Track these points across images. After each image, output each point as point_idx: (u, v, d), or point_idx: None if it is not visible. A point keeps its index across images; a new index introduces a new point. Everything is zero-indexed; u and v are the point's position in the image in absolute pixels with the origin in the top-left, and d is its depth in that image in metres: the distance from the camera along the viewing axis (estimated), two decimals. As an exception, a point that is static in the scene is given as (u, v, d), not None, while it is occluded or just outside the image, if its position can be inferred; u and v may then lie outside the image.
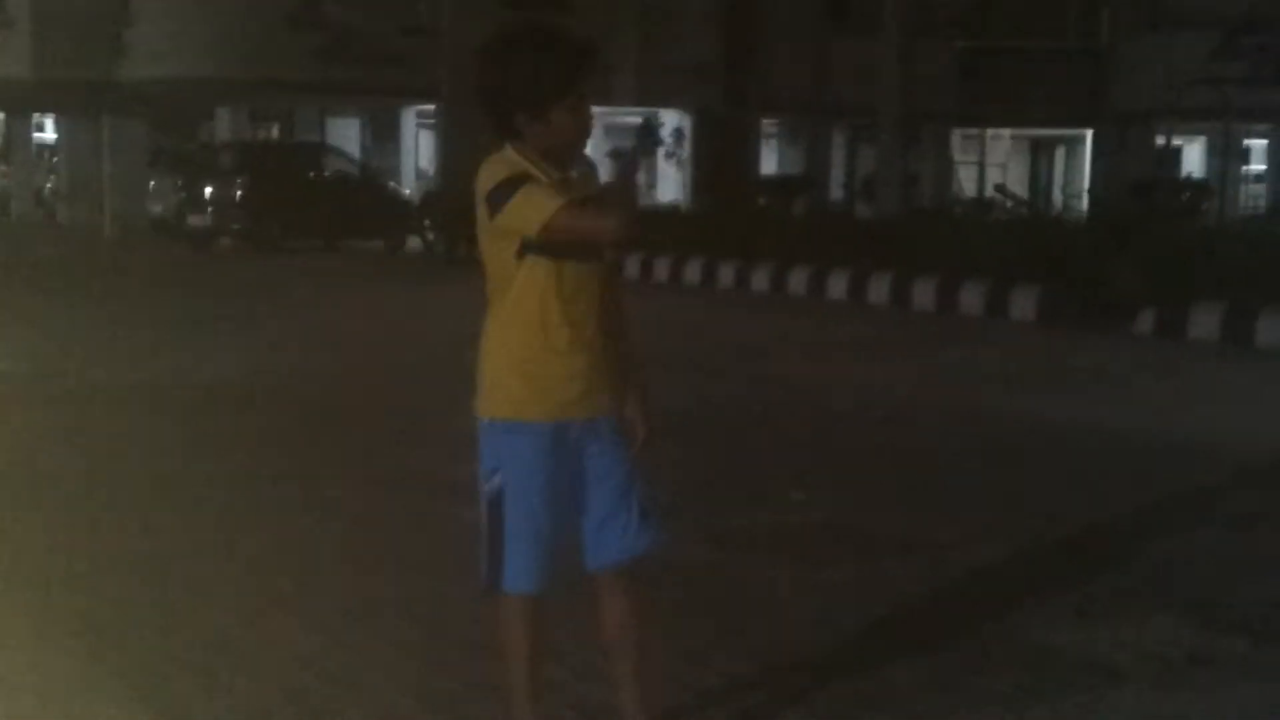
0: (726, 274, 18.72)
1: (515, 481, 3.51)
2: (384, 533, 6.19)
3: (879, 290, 16.81)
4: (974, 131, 35.53)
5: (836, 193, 33.81)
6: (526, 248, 3.45)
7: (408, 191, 28.73)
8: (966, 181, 34.83)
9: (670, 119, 30.09)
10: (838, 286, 17.33)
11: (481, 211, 3.50)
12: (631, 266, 18.93)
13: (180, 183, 25.16)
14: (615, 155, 3.72)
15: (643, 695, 3.71)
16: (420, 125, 32.22)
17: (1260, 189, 32.98)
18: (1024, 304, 15.22)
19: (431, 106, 29.94)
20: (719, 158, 23.69)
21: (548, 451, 3.50)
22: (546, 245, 3.42)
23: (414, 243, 24.66)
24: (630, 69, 27.28)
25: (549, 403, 3.49)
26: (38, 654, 4.60)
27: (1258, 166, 34.18)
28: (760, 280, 18.30)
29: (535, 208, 3.38)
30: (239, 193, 24.00)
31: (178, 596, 5.21)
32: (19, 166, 33.67)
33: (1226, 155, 28.42)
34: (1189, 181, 29.59)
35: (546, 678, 3.81)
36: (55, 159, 33.16)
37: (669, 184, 31.17)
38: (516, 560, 3.52)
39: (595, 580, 3.66)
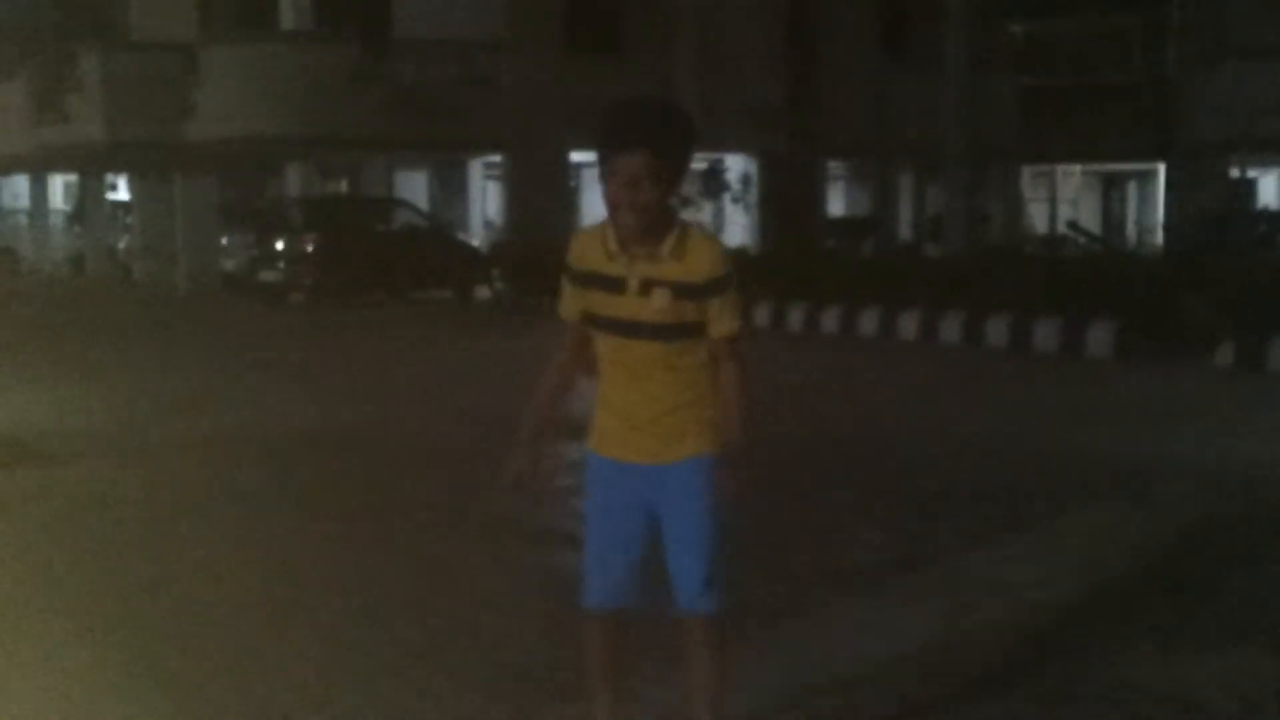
0: (795, 317, 18.63)
1: (588, 505, 3.89)
2: (461, 578, 6.17)
3: (951, 329, 16.65)
4: (1045, 168, 35.30)
5: (905, 233, 33.65)
6: None
7: (475, 242, 28.91)
8: (1038, 219, 34.58)
9: (735, 163, 30.10)
10: (908, 326, 17.19)
11: None
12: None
13: (252, 239, 25.46)
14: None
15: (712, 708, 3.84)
16: (487, 176, 32.46)
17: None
18: (1100, 341, 15.02)
19: (497, 158, 30.16)
20: (785, 200, 23.65)
21: (608, 482, 3.80)
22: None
23: (482, 292, 24.81)
24: (691, 114, 27.39)
25: (606, 442, 3.82)
26: (118, 698, 4.60)
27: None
28: (830, 322, 18.20)
29: (559, 300, 3.85)
30: (309, 248, 24.24)
31: (256, 640, 5.22)
32: (94, 226, 34.28)
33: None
34: (1264, 213, 29.17)
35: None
36: (128, 217, 33.73)
37: (736, 228, 31.19)
38: (588, 578, 3.86)
39: (680, 630, 3.84)
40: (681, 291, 3.63)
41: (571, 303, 3.80)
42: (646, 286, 3.62)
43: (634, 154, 3.52)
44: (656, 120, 3.61)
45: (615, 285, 3.65)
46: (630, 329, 3.67)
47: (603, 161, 3.57)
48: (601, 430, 3.82)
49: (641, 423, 3.73)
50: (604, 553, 3.83)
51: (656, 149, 3.54)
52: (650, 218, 3.59)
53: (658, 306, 3.63)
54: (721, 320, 3.69)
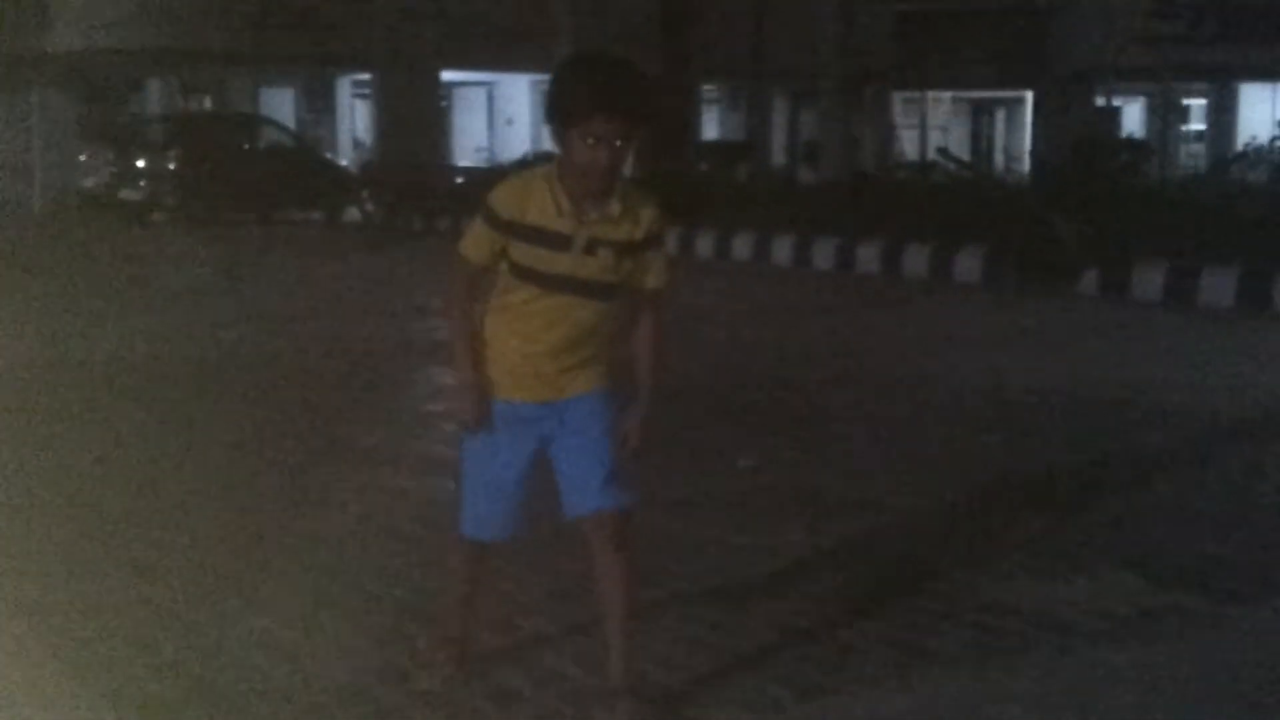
0: (670, 243, 18.56)
1: (471, 443, 3.84)
2: (329, 505, 6.06)
3: (824, 255, 16.77)
4: (916, 94, 35.59)
5: (779, 158, 33.74)
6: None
7: (344, 162, 28.40)
8: (908, 145, 34.90)
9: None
10: (782, 252, 17.29)
11: None
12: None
13: (112, 156, 24.73)
14: None
15: (625, 660, 3.82)
16: (355, 95, 31.84)
17: (1200, 148, 33.22)
18: (968, 267, 15.22)
19: (367, 75, 29.58)
20: (659, 124, 23.49)
21: (500, 423, 3.76)
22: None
23: (351, 214, 24.41)
24: (566, 36, 27.02)
25: (500, 386, 3.76)
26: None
27: (1197, 126, 34.41)
28: (705, 246, 18.23)
29: (464, 238, 3.71)
30: (172, 166, 23.65)
31: (125, 575, 5.06)
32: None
33: (1165, 115, 28.59)
34: (1129, 141, 29.75)
35: (549, 666, 4.19)
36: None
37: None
38: (469, 512, 3.89)
39: (587, 540, 3.81)
40: (625, 249, 3.62)
41: (483, 246, 3.65)
42: (592, 245, 3.58)
43: (618, 118, 3.46)
44: (635, 83, 3.53)
45: (559, 242, 3.57)
46: (571, 285, 3.60)
47: (573, 121, 3.47)
48: (498, 374, 3.72)
49: (548, 368, 3.69)
50: (490, 490, 3.82)
51: (635, 112, 3.50)
52: (615, 179, 3.56)
53: (604, 265, 3.60)
54: (657, 273, 3.73)
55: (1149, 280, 13.65)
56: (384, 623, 4.57)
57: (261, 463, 6.86)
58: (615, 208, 3.59)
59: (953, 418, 8.15)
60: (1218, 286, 13.13)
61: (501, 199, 3.61)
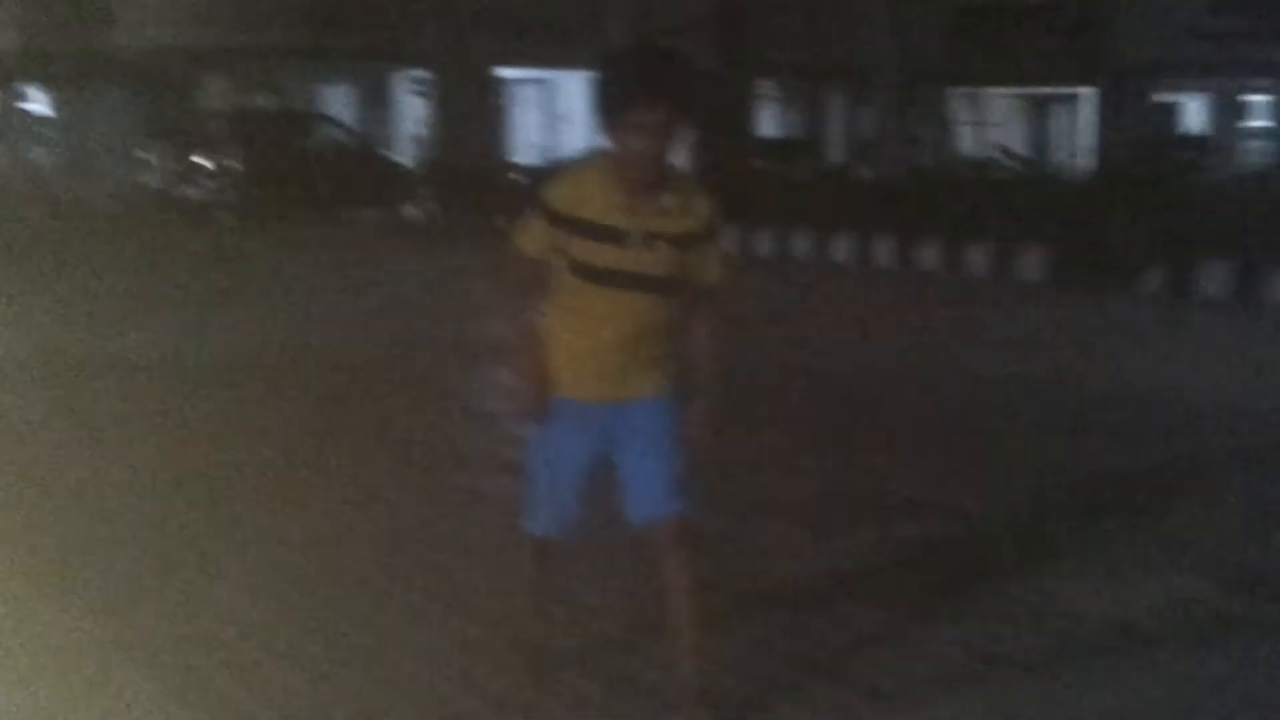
0: (727, 241, 18.54)
1: (539, 442, 3.86)
2: (394, 506, 6.09)
3: (883, 253, 16.69)
4: (973, 90, 35.30)
5: (836, 155, 33.57)
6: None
7: (403, 160, 28.51)
8: (966, 142, 34.62)
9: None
10: (841, 250, 17.21)
11: None
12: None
13: (173, 154, 24.93)
14: None
15: (694, 665, 3.81)
16: (414, 92, 31.96)
17: (1263, 145, 32.74)
18: (1030, 265, 15.11)
19: (425, 73, 29.69)
20: (716, 121, 23.43)
21: (565, 422, 3.76)
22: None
23: (410, 211, 24.51)
24: (622, 32, 27.04)
25: (564, 384, 3.76)
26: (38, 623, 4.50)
27: (1260, 122, 33.93)
28: (762, 245, 18.16)
29: (518, 232, 3.73)
30: (233, 163, 23.81)
31: (193, 575, 5.12)
32: (8, 139, 33.40)
33: (1228, 112, 28.23)
34: (1192, 139, 29.42)
35: (620, 670, 4.23)
36: (44, 131, 32.84)
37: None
38: (534, 510, 3.91)
39: (649, 546, 3.81)
40: (682, 242, 3.63)
41: (539, 240, 3.67)
42: (650, 239, 3.59)
43: (660, 107, 3.47)
44: (679, 73, 3.53)
45: (616, 237, 3.58)
46: (630, 281, 3.61)
47: (618, 113, 3.49)
48: (560, 371, 3.73)
49: (611, 365, 3.69)
50: (556, 488, 3.83)
51: (680, 102, 3.50)
52: (664, 170, 3.57)
53: (661, 259, 3.61)
54: (714, 266, 3.76)
55: (1213, 278, 13.50)
56: (453, 626, 4.59)
57: (323, 464, 6.90)
58: (669, 200, 3.60)
59: (1020, 418, 8.09)
60: (1284, 285, 12.96)
61: (555, 193, 3.63)
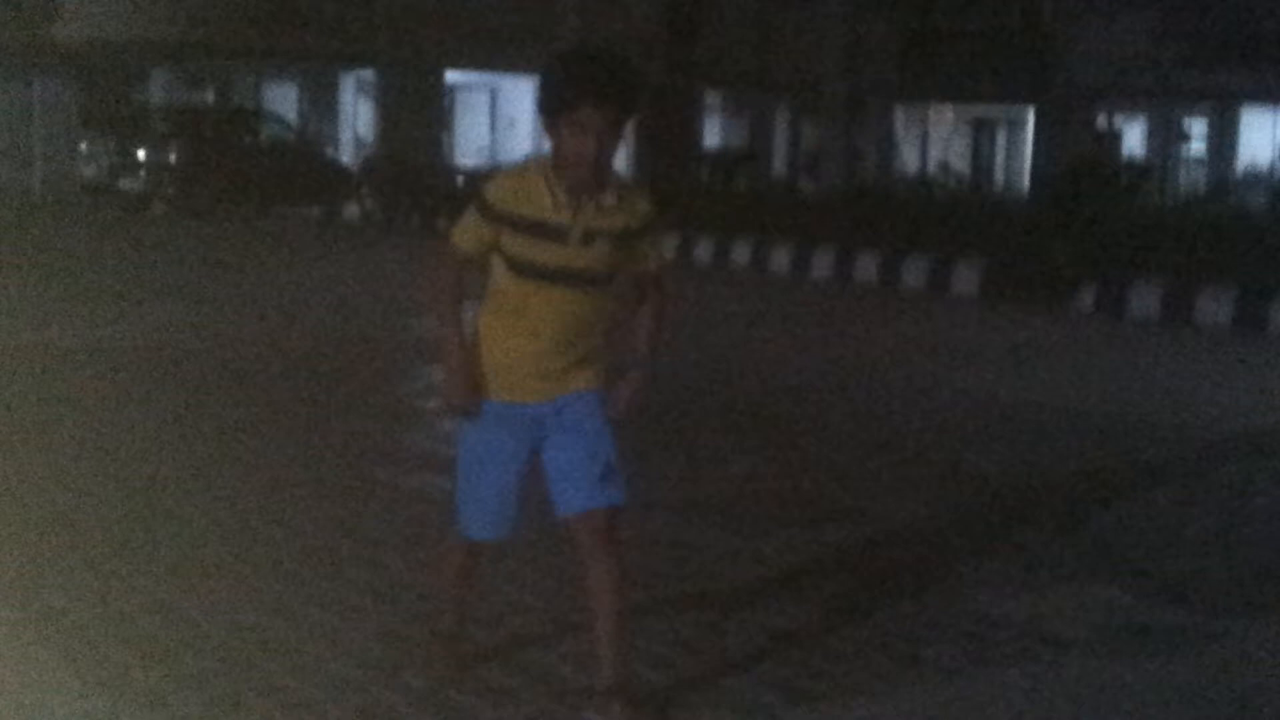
0: (669, 246, 18.63)
1: (467, 445, 3.86)
2: (322, 500, 6.06)
3: (823, 264, 16.80)
4: (918, 108, 35.62)
5: (779, 167, 33.77)
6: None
7: (345, 158, 28.40)
8: (909, 158, 34.92)
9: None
10: (781, 261, 17.31)
11: None
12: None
13: (113, 146, 24.71)
14: None
15: (616, 661, 3.78)
16: (359, 92, 31.85)
17: (1200, 170, 33.25)
18: (966, 280, 15.27)
19: (370, 73, 29.59)
20: (661, 130, 23.52)
21: (495, 425, 3.76)
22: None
23: (351, 210, 24.43)
24: (570, 38, 27.08)
25: (495, 386, 3.75)
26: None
27: (1198, 146, 34.45)
28: (703, 253, 18.24)
29: (455, 227, 3.74)
30: (173, 156, 23.63)
31: (115, 563, 5.06)
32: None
33: (1166, 135, 28.65)
34: (1129, 162, 29.78)
35: (541, 665, 4.22)
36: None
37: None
38: (466, 514, 3.89)
39: (576, 539, 3.78)
40: (621, 238, 3.67)
41: (475, 236, 3.68)
42: (589, 235, 3.62)
43: (605, 107, 3.51)
44: (625, 74, 3.57)
45: (557, 233, 3.60)
46: (570, 277, 3.63)
47: (563, 112, 3.53)
48: (495, 374, 3.73)
49: (551, 363, 3.70)
50: (488, 491, 3.81)
51: (625, 103, 3.54)
52: (607, 170, 3.60)
53: (600, 255, 3.64)
54: (653, 255, 3.81)
55: (1146, 298, 13.69)
56: (376, 619, 4.57)
57: (251, 456, 6.86)
58: (610, 198, 3.63)
59: (946, 429, 8.17)
60: (1214, 306, 13.16)
61: (496, 190, 3.64)
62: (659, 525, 5.69)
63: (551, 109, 3.55)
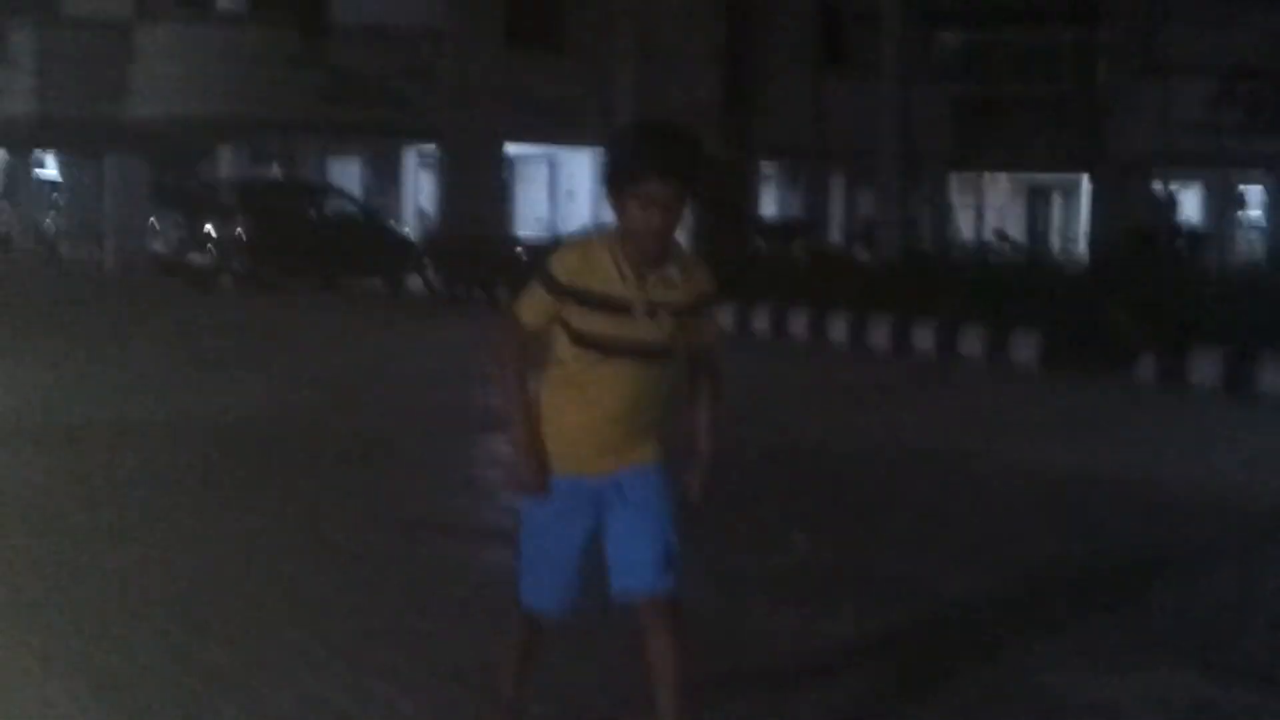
0: (725, 317, 18.72)
1: (529, 518, 3.87)
2: (387, 571, 6.18)
3: (879, 334, 16.84)
4: (972, 175, 35.68)
5: (835, 236, 33.88)
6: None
7: (408, 231, 28.79)
8: (964, 226, 34.94)
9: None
10: (838, 330, 17.37)
11: None
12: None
13: (182, 221, 25.19)
14: None
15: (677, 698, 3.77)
16: (421, 165, 32.32)
17: (1258, 236, 33.09)
18: (1024, 349, 15.26)
19: (432, 147, 30.02)
20: (718, 200, 23.74)
21: (558, 499, 3.77)
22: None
23: (414, 282, 24.74)
24: (628, 111, 27.41)
25: (557, 460, 3.78)
26: (38, 690, 4.59)
27: (1255, 212, 34.29)
28: (760, 322, 18.33)
29: (519, 301, 3.75)
30: (240, 231, 24.04)
31: (179, 634, 5.19)
32: (21, 203, 33.74)
33: (1223, 202, 28.54)
34: (1186, 228, 29.70)
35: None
36: (57, 195, 33.17)
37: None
38: (528, 587, 3.91)
39: (641, 616, 3.78)
40: (683, 311, 3.71)
41: (540, 311, 3.70)
42: (653, 309, 3.66)
43: (671, 181, 3.56)
44: (689, 147, 3.64)
45: (622, 307, 3.65)
46: (634, 349, 3.66)
47: (628, 185, 3.57)
48: (557, 447, 3.75)
49: (612, 435, 3.72)
50: (551, 564, 3.83)
51: (689, 176, 3.60)
52: (670, 243, 3.67)
53: (663, 328, 3.68)
54: (707, 329, 3.84)
55: (1206, 367, 13.62)
56: (437, 692, 4.64)
57: (317, 529, 6.96)
58: (674, 271, 3.68)
59: (1005, 502, 8.18)
60: (1276, 374, 13.09)
61: (561, 264, 3.67)
62: (715, 598, 5.73)
63: (618, 182, 3.60)
